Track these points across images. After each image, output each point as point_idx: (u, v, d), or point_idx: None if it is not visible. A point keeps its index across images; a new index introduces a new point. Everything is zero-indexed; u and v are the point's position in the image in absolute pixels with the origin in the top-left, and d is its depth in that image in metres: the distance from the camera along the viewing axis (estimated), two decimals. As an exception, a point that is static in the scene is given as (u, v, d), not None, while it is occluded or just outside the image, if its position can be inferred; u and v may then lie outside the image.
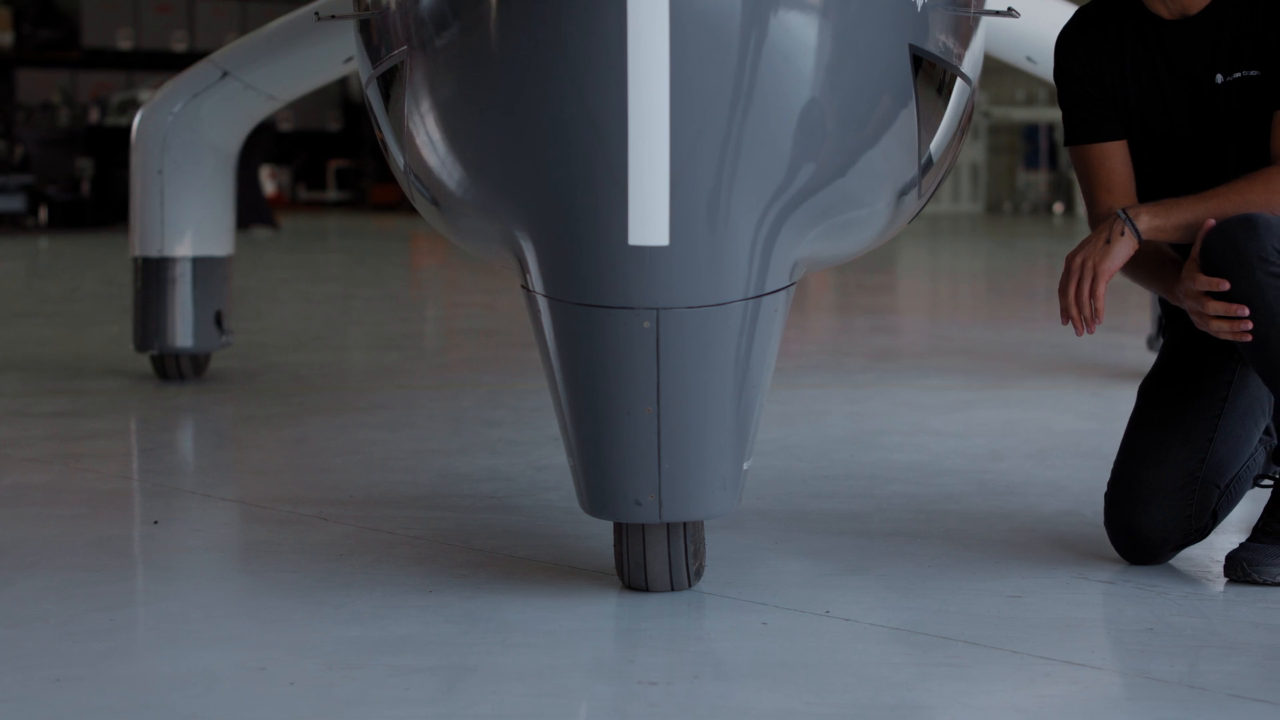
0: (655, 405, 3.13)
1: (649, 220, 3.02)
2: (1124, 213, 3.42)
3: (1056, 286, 3.52)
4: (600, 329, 3.11)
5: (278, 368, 7.14)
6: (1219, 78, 3.54)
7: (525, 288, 3.26)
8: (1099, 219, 3.59)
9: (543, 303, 3.19)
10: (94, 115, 21.50)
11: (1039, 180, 25.68)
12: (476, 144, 3.21)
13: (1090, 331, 3.43)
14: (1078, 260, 3.45)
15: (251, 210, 18.58)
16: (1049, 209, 25.31)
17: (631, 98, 2.96)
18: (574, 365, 3.18)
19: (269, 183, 24.39)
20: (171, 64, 22.48)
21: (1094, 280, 3.41)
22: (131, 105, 19.89)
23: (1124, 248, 3.41)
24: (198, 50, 23.27)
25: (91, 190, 19.75)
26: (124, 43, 25.79)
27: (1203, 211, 3.39)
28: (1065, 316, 3.44)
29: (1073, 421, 5.69)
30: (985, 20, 4.11)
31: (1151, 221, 3.41)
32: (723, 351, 3.14)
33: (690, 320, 3.09)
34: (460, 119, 3.22)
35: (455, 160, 3.26)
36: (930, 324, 9.54)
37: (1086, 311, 3.42)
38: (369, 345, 8.45)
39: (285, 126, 26.02)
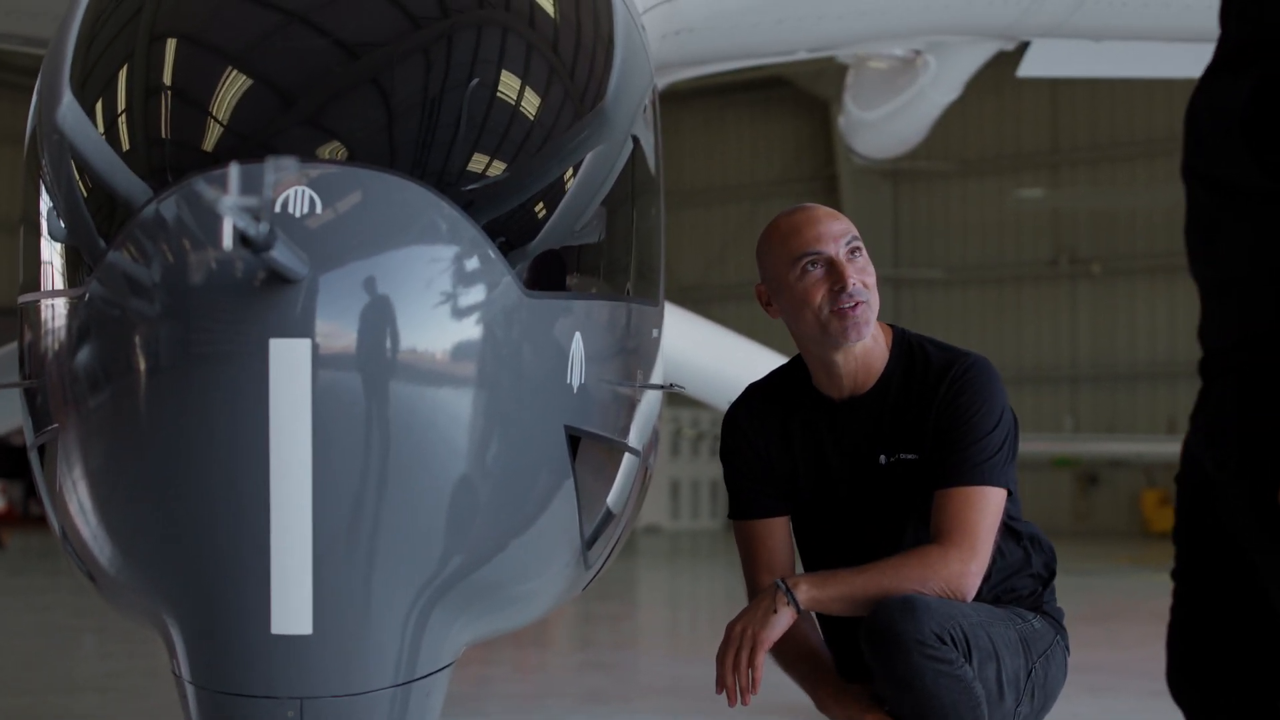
0: (301, 796, 3.06)
1: (291, 609, 2.98)
2: (783, 583, 3.46)
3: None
4: (244, 719, 3.05)
5: (-34, 716, 6.89)
6: (882, 458, 3.63)
7: (174, 673, 3.19)
8: (756, 594, 3.64)
9: (189, 690, 3.13)
10: None
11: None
12: (121, 526, 3.17)
13: (745, 703, 3.45)
14: (738, 629, 3.48)
15: (-25, 530, 18.15)
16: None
17: (274, 485, 2.95)
18: (219, 754, 3.11)
19: (-2, 499, 23.85)
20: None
21: (753, 650, 3.43)
22: None
23: (784, 618, 3.45)
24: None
25: None
26: None
27: (858, 585, 3.44)
28: (720, 686, 3.46)
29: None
30: (675, 372, 4.19)
31: (810, 593, 3.45)
32: (370, 740, 3.09)
33: (335, 709, 3.04)
34: (106, 498, 3.18)
35: (103, 539, 3.21)
36: (649, 658, 9.51)
37: (744, 681, 3.44)
38: (76, 687, 8.18)
39: (17, 440, 25.53)
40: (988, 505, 3.51)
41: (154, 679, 8.60)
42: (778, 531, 3.73)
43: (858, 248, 3.60)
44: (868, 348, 3.64)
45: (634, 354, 3.73)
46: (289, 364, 2.92)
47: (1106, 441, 22.42)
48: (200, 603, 3.05)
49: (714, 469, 25.97)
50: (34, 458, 3.59)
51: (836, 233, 3.59)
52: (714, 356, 6.89)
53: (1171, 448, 21.56)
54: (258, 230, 2.57)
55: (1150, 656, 9.77)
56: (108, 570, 3.27)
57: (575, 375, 3.32)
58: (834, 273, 3.58)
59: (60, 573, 17.02)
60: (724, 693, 3.45)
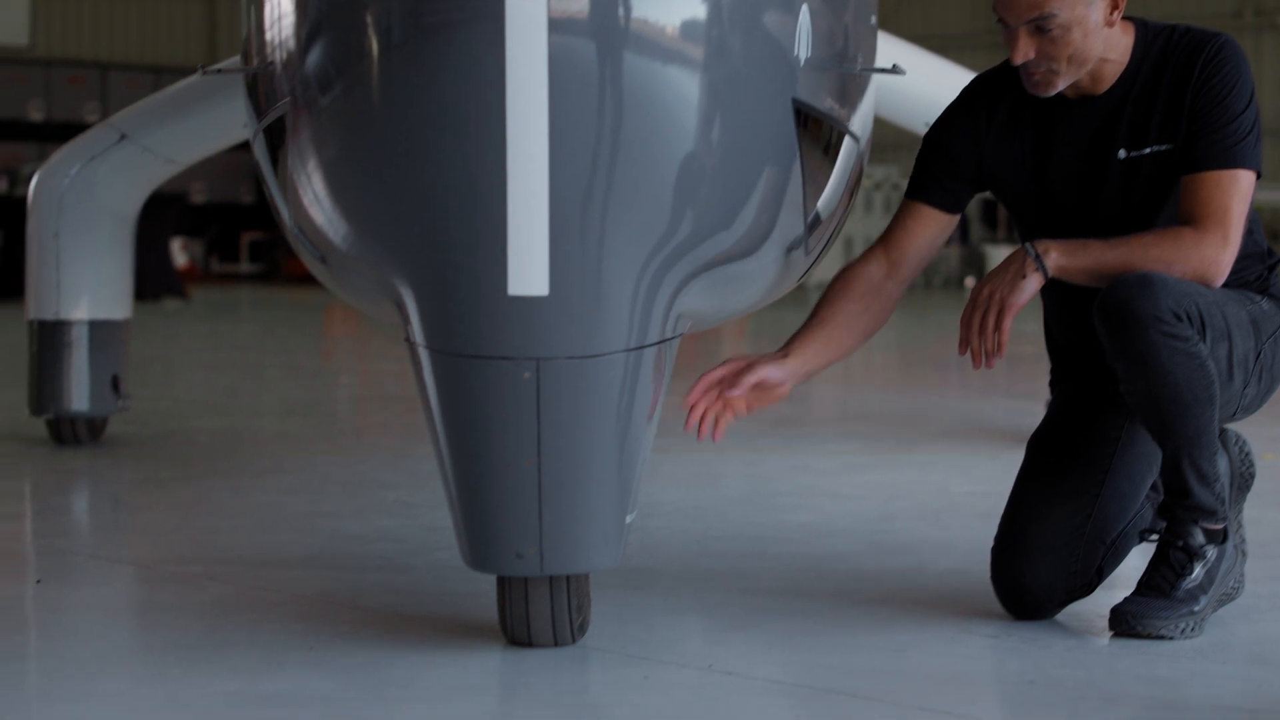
0: (536, 457, 3.11)
1: (528, 270, 3.01)
2: (1032, 248, 3.41)
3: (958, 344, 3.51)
4: (481, 381, 3.10)
5: (177, 433, 7.08)
6: (1123, 153, 3.55)
7: (408, 339, 3.24)
8: (866, 257, 3.66)
9: (424, 354, 3.18)
10: (4, 186, 21.36)
11: (950, 254, 25.86)
12: (358, 197, 3.19)
13: (989, 366, 3.43)
14: (985, 292, 3.43)
15: (162, 281, 18.51)
16: (960, 282, 25.48)
17: (511, 149, 2.96)
18: (455, 418, 3.16)
19: (180, 255, 24.27)
20: (83, 135, 22.34)
21: (1000, 314, 3.40)
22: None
23: (1032, 283, 3.41)
24: (110, 121, 23.14)
25: (1, 260, 19.58)
26: (35, 114, 25.68)
27: (1109, 258, 3.39)
28: (964, 346, 3.43)
29: (968, 484, 5.70)
30: (878, 83, 4.14)
31: (1059, 261, 3.40)
32: (604, 403, 3.12)
33: (571, 371, 3.08)
34: (341, 172, 3.21)
35: (337, 213, 3.25)
36: (835, 391, 9.55)
37: (989, 344, 3.41)
38: (271, 412, 8.38)
39: (198, 199, 25.94)
40: (1240, 188, 3.42)
41: (348, 406, 8.79)
42: (929, 222, 3.66)
43: (1046, 26, 3.45)
44: (1099, 60, 3.53)
45: (856, 35, 3.68)
46: (525, 24, 2.92)
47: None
48: (437, 267, 3.08)
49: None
50: (258, 145, 3.62)
51: (1021, 8, 3.46)
52: (914, 74, 6.75)
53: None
54: None
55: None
56: (341, 247, 3.31)
57: (802, 49, 3.28)
58: (1011, 42, 3.49)
59: (246, 321, 17.36)
60: (967, 355, 3.42)
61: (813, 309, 3.61)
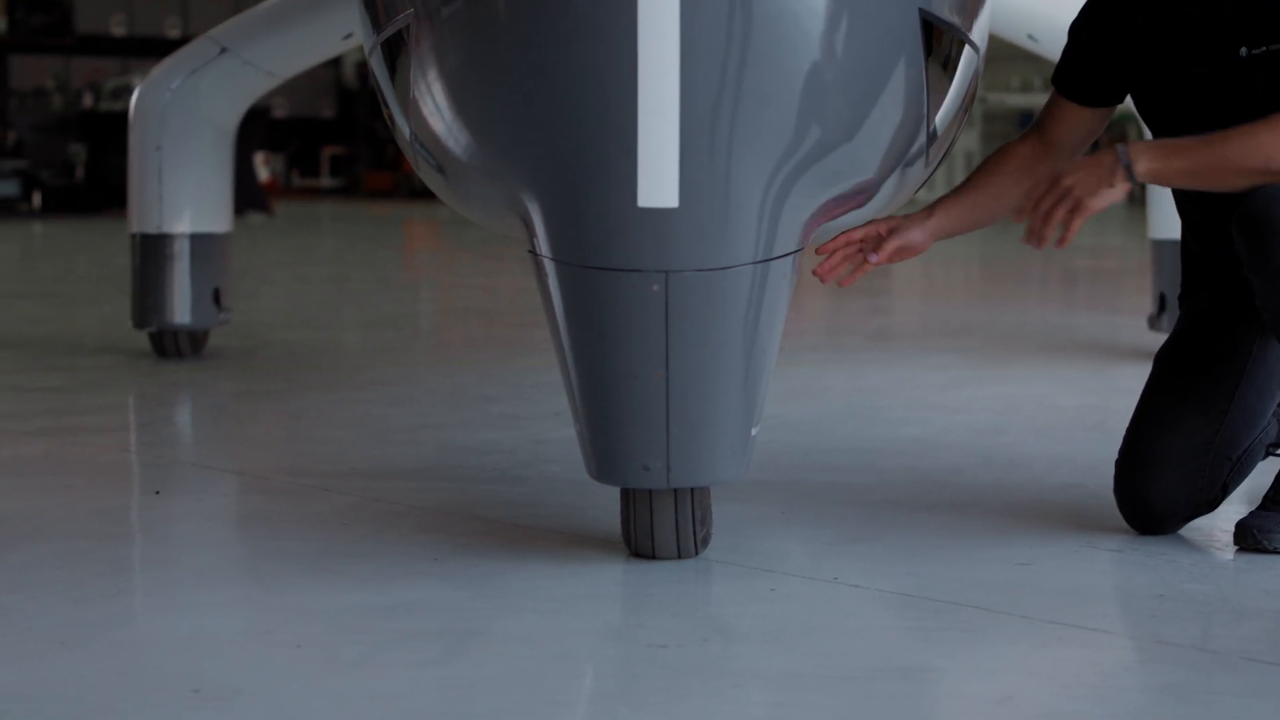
0: (664, 370, 3.10)
1: (658, 182, 2.99)
2: (1125, 154, 3.34)
3: (1052, 248, 3.47)
4: (609, 292, 3.09)
5: (275, 345, 7.12)
6: (1244, 51, 3.50)
7: (532, 251, 3.23)
8: (1023, 138, 3.68)
9: (550, 266, 3.17)
10: (87, 101, 21.51)
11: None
12: (484, 108, 3.18)
13: (1040, 248, 3.38)
14: (1067, 184, 3.35)
15: (245, 196, 18.56)
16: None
17: (641, 59, 2.94)
18: (582, 329, 3.15)
19: (263, 169, 24.34)
20: (165, 50, 22.36)
21: (1074, 210, 3.33)
22: (125, 91, 19.88)
23: (1117, 193, 3.35)
24: (191, 37, 23.21)
25: (85, 175, 19.72)
26: (117, 29, 25.77)
27: (1205, 156, 3.32)
28: (1021, 217, 3.38)
29: (1075, 398, 5.68)
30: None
31: (1150, 165, 3.33)
32: (731, 316, 3.11)
33: (699, 283, 3.06)
34: (467, 84, 3.19)
35: (462, 126, 3.23)
36: (927, 306, 9.53)
37: (1050, 233, 3.35)
38: (364, 325, 8.42)
39: (280, 114, 25.98)
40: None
41: (442, 320, 8.81)
42: (1078, 118, 3.63)
43: None
44: None
45: (980, -57, 3.63)
46: (656, -68, 2.89)
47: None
48: (567, 178, 3.07)
49: (971, 139, 25.65)
50: (375, 58, 3.60)
51: None
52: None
53: None
54: None
55: None
56: (463, 158, 3.29)
57: (930, -43, 3.24)
58: None
59: (328, 235, 17.43)
60: (1023, 221, 3.38)
61: (967, 178, 3.67)
